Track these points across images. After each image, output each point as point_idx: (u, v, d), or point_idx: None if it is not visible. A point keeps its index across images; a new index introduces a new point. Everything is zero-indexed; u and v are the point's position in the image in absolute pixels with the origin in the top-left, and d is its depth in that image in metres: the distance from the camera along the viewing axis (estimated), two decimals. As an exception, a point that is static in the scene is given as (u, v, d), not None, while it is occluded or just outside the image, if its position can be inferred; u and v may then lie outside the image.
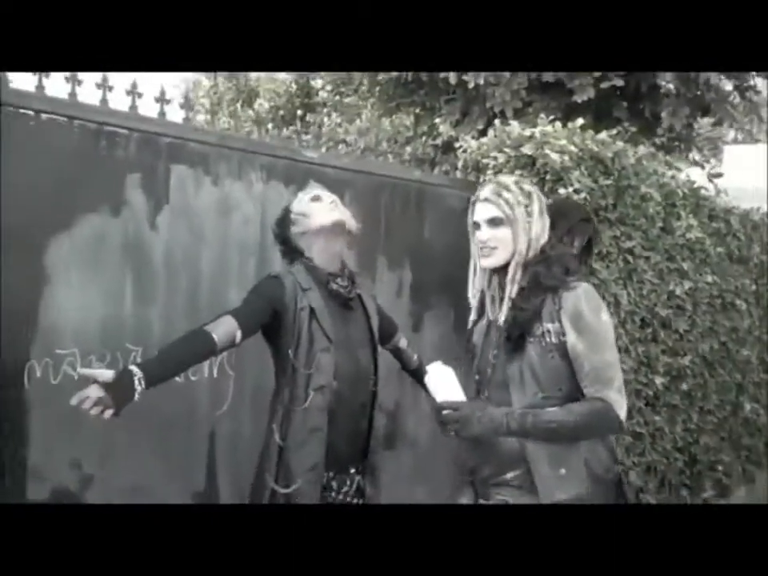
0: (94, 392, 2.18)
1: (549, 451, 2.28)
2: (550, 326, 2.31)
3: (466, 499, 2.46)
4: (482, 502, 2.40)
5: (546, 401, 2.29)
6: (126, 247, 2.85)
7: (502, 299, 2.42)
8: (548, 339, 2.31)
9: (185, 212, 3.02)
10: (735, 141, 15.63)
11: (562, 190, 4.28)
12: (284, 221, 2.87)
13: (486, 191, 2.44)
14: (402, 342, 3.09)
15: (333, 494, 2.69)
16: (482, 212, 2.41)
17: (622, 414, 2.28)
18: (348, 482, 2.73)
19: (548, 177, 4.30)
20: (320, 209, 2.80)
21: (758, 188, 10.97)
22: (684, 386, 5.74)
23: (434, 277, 4.23)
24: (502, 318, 2.41)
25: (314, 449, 2.63)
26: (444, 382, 2.38)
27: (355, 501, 2.75)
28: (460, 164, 4.69)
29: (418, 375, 3.13)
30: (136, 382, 2.24)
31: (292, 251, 2.85)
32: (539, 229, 2.40)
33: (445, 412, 2.30)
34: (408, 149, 5.24)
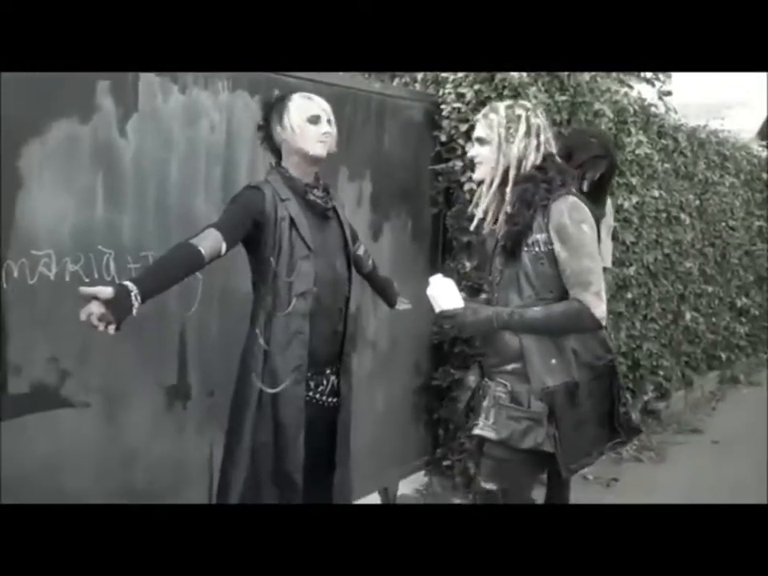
0: (96, 308, 2.29)
1: (540, 344, 2.61)
2: (539, 236, 2.60)
3: (474, 376, 2.84)
4: (486, 381, 2.74)
5: (539, 302, 2.62)
6: (97, 153, 2.92)
7: (497, 212, 2.74)
8: (537, 248, 2.61)
9: (153, 119, 3.09)
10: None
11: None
12: (271, 120, 2.88)
13: (481, 112, 2.78)
14: (361, 250, 3.21)
15: (310, 392, 2.83)
16: (475, 130, 2.78)
17: (598, 313, 2.58)
18: (324, 382, 2.88)
19: (506, 92, 4.40)
20: (313, 135, 2.81)
21: (702, 104, 11.13)
22: (629, 295, 5.99)
23: (394, 188, 4.35)
24: (498, 230, 2.72)
25: (297, 351, 2.76)
26: (444, 292, 2.75)
27: (330, 399, 2.89)
28: (419, 77, 4.77)
29: (370, 278, 3.35)
30: (133, 298, 2.36)
31: (272, 148, 2.92)
32: (521, 149, 2.67)
33: (444, 322, 2.73)
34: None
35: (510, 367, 2.65)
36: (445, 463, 4.70)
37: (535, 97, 4.46)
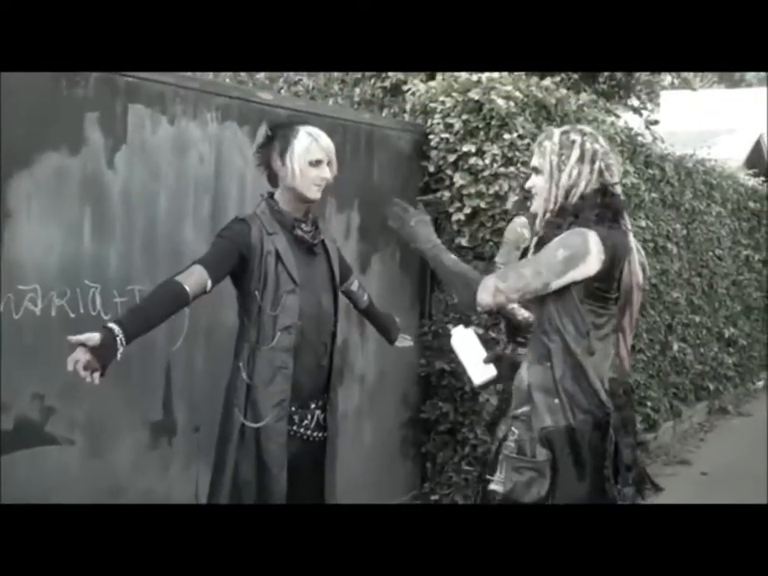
0: (82, 355, 2.28)
1: (544, 380, 2.44)
2: None
3: (504, 425, 2.64)
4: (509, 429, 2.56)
5: (542, 335, 2.46)
6: (85, 185, 2.89)
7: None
8: None
9: (142, 151, 3.07)
10: (672, 85, 15.91)
11: (506, 135, 4.40)
12: (272, 148, 2.82)
13: (538, 139, 2.58)
14: (354, 285, 3.19)
15: (295, 427, 2.80)
16: (532, 159, 2.58)
17: (479, 297, 2.42)
18: (309, 417, 2.84)
19: (493, 122, 4.41)
20: (312, 178, 2.79)
21: (689, 132, 11.23)
22: (616, 326, 5.96)
23: (382, 218, 4.32)
24: None
25: (280, 385, 2.73)
26: (467, 343, 2.78)
27: (316, 434, 2.85)
28: (408, 107, 4.78)
29: (368, 314, 3.32)
30: (118, 342, 2.34)
31: (268, 175, 2.87)
32: (574, 176, 2.46)
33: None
34: (357, 90, 5.29)
35: (520, 412, 2.50)
36: (433, 498, 4.64)
37: (522, 127, 4.47)
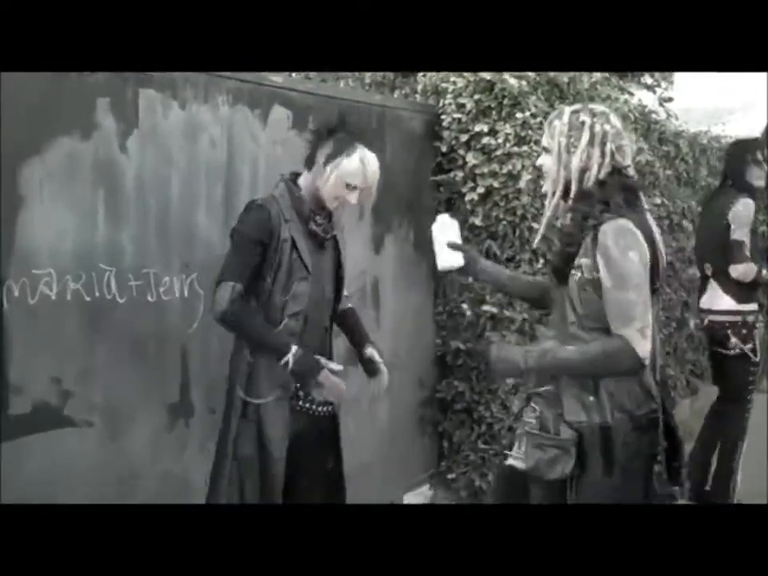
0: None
1: (581, 378, 2.41)
2: (583, 260, 2.39)
3: (519, 401, 2.63)
4: (526, 406, 2.53)
5: (583, 331, 2.40)
6: (98, 170, 2.90)
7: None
8: (581, 274, 2.39)
9: (154, 135, 3.08)
10: (687, 63, 15.80)
11: (519, 114, 4.38)
12: (321, 146, 2.83)
13: (549, 118, 2.57)
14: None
15: (300, 402, 2.85)
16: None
17: (641, 352, 2.30)
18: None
19: (506, 101, 4.39)
20: (338, 194, 2.80)
21: (704, 109, 11.12)
22: (632, 304, 5.94)
23: (395, 199, 4.34)
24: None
25: (283, 370, 2.76)
26: (445, 230, 2.77)
27: (321, 408, 2.90)
28: (419, 88, 4.76)
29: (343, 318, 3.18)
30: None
31: (307, 159, 2.88)
32: (584, 159, 2.43)
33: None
34: (368, 72, 5.28)
35: (542, 390, 2.47)
36: (449, 476, 4.67)
37: (535, 106, 4.45)
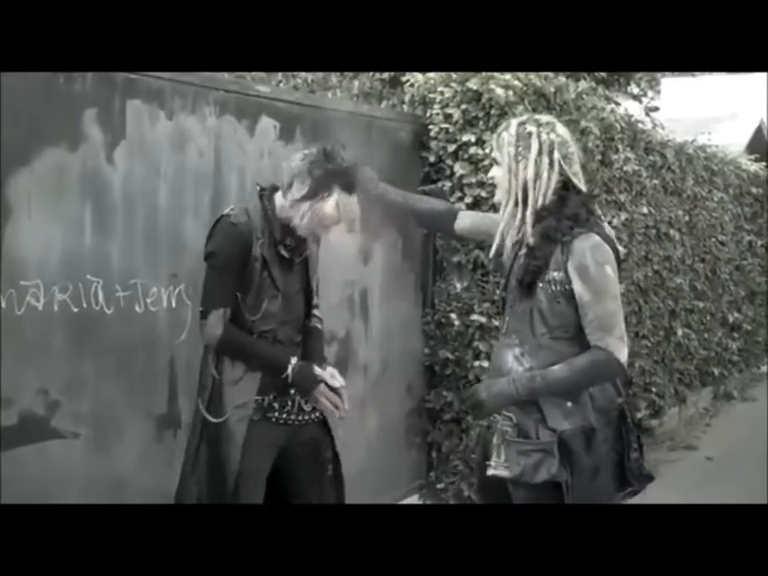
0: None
1: (573, 392, 2.48)
2: (555, 274, 2.46)
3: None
4: (495, 416, 2.55)
5: (553, 341, 2.48)
6: (85, 181, 2.90)
7: (517, 239, 2.56)
8: (554, 287, 2.46)
9: (141, 146, 3.08)
10: (672, 72, 15.90)
11: (505, 124, 4.40)
12: (315, 172, 2.71)
13: (497, 130, 2.62)
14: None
15: (276, 414, 2.80)
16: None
17: (622, 357, 2.43)
18: (289, 403, 2.83)
19: (493, 111, 4.41)
20: (313, 225, 2.75)
21: (690, 118, 11.20)
22: (620, 313, 5.96)
23: (384, 208, 4.33)
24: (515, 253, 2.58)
25: (246, 388, 2.74)
26: None
27: (300, 418, 2.85)
28: (407, 98, 4.77)
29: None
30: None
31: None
32: (532, 170, 2.48)
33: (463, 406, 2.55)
34: (356, 83, 5.29)
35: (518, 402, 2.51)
36: (438, 486, 4.66)
37: (522, 115, 4.46)
